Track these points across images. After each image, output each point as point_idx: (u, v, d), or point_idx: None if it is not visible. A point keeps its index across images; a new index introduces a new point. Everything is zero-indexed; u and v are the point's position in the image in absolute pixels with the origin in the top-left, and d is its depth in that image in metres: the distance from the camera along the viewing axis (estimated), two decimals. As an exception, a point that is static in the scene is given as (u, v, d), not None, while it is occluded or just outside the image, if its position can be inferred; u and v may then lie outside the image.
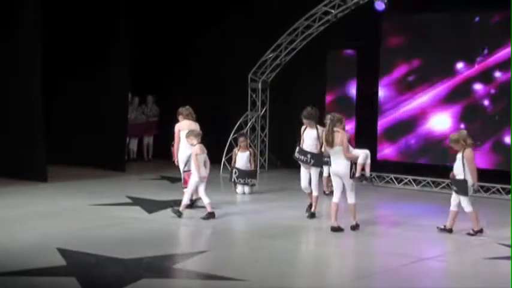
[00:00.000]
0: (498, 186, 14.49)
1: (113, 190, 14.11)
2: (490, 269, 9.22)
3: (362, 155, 12.25)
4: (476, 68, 15.10)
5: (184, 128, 12.24)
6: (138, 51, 17.58)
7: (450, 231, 10.92)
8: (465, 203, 10.76)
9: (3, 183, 14.19)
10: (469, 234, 10.82)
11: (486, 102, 15.12)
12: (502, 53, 14.77)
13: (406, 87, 16.00)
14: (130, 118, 17.95)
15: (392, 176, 15.66)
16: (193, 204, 12.18)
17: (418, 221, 11.90)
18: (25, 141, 14.94)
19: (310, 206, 11.94)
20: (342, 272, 9.18)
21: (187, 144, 11.92)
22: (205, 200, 11.59)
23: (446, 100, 15.52)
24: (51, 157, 15.34)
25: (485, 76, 15.05)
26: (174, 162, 12.68)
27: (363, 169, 12.38)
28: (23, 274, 8.23)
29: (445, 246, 10.55)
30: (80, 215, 11.85)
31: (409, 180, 15.51)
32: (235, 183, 14.28)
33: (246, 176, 14.18)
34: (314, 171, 11.79)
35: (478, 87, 15.18)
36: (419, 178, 15.41)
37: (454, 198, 10.87)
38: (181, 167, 12.39)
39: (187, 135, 11.75)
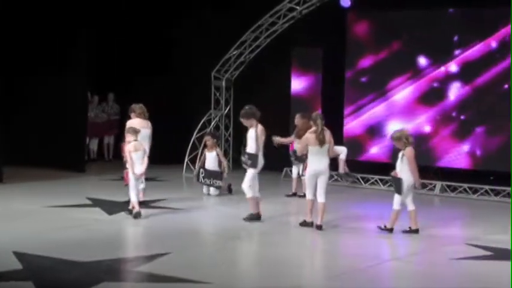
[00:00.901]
0: (465, 185, 14.41)
1: (72, 191, 13.89)
2: (458, 269, 9.17)
3: (344, 151, 12.38)
4: (445, 65, 15.05)
5: (136, 125, 12.08)
6: (98, 49, 17.26)
7: (391, 230, 10.86)
8: (396, 201, 10.77)
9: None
10: (404, 231, 10.82)
11: (454, 100, 15.04)
12: (472, 51, 14.75)
13: (372, 84, 15.90)
14: (90, 117, 17.72)
15: (359, 175, 15.51)
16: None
17: (385, 221, 11.65)
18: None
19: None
20: (307, 273, 9.08)
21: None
22: (133, 198, 11.43)
23: (415, 98, 15.47)
24: (8, 158, 15.05)
25: (454, 73, 15.03)
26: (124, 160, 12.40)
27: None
28: (-24, 279, 8.07)
29: (412, 247, 10.48)
30: (37, 217, 11.63)
31: (376, 180, 15.40)
32: (202, 184, 13.98)
33: (212, 176, 13.87)
34: (249, 173, 11.42)
35: (445, 84, 15.15)
36: (386, 178, 15.22)
37: (397, 196, 10.83)
38: None
39: (126, 131, 11.65)
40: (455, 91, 14.97)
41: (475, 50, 14.68)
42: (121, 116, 18.51)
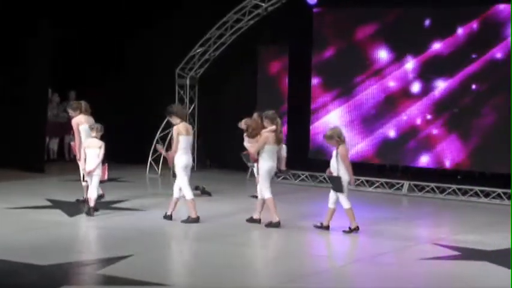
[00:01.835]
0: (432, 185, 14.39)
1: (31, 192, 13.65)
2: (426, 269, 9.12)
3: (285, 148, 12.72)
4: (414, 62, 14.99)
5: (83, 122, 12.26)
6: (60, 46, 16.94)
7: (327, 228, 10.83)
8: (342, 200, 10.73)
9: None
10: (344, 231, 10.76)
11: (423, 99, 14.95)
12: (441, 48, 14.70)
13: (339, 82, 15.81)
14: (50, 116, 17.31)
15: (325, 175, 15.33)
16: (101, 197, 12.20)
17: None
18: None
19: None
20: (272, 274, 8.96)
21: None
22: (91, 194, 11.51)
23: (380, 96, 15.36)
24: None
25: (420, 71, 14.96)
26: (76, 159, 12.45)
27: None
28: None
29: (379, 247, 10.42)
30: (-5, 219, 11.42)
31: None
32: None
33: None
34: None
35: (411, 82, 15.08)
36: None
37: (332, 195, 10.83)
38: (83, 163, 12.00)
39: (92, 128, 11.81)
40: (423, 89, 14.89)
41: (444, 48, 14.61)
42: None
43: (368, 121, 15.44)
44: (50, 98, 17.71)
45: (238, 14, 15.92)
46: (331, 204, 10.80)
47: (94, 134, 11.69)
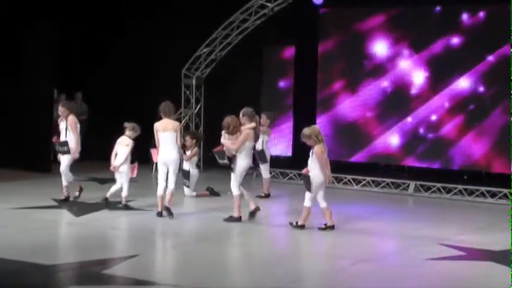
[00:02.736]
0: (438, 185, 14.36)
1: (36, 192, 13.63)
2: (431, 270, 9.08)
3: None
4: (418, 61, 14.93)
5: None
6: (66, 48, 16.92)
7: (302, 227, 10.88)
8: (306, 198, 10.80)
9: None
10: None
11: (430, 99, 14.89)
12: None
13: (346, 84, 15.76)
14: (56, 116, 17.25)
15: (331, 175, 15.31)
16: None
17: (356, 222, 11.77)
18: None
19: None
20: (278, 274, 8.89)
21: None
22: (124, 193, 12.14)
23: (385, 97, 15.33)
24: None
25: (427, 69, 14.91)
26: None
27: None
28: None
29: (385, 248, 10.44)
30: (1, 219, 11.37)
31: (349, 180, 15.26)
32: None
33: (183, 176, 13.64)
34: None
35: (420, 82, 14.99)
36: (359, 177, 15.16)
37: (307, 194, 10.87)
38: None
39: (125, 126, 12.32)
40: (431, 90, 14.82)
41: (455, 44, 14.57)
42: (89, 115, 18.27)
43: (374, 121, 15.40)
44: (56, 99, 17.70)
45: (244, 14, 15.91)
46: (306, 203, 10.87)
47: (127, 132, 12.11)
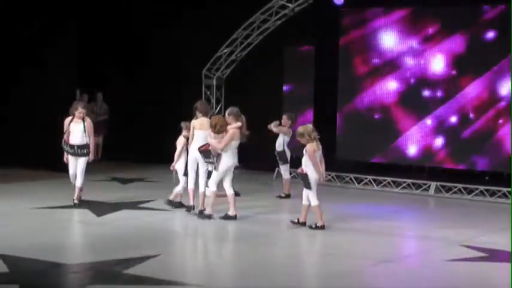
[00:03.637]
0: (460, 186, 14.27)
1: (59, 192, 13.57)
2: (453, 271, 9.06)
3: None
4: (440, 58, 14.83)
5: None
6: (88, 48, 17.00)
7: (303, 224, 10.98)
8: (310, 196, 10.86)
9: None
10: (311, 227, 10.87)
11: (451, 100, 14.79)
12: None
13: (365, 84, 15.67)
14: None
15: (351, 175, 15.34)
16: None
17: (377, 222, 11.73)
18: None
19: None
20: (300, 275, 8.89)
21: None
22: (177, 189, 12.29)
23: (406, 97, 15.22)
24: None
25: (443, 72, 14.83)
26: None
27: None
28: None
29: (406, 248, 10.43)
30: (23, 219, 11.44)
31: (369, 180, 15.22)
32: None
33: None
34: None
35: (442, 84, 14.90)
36: (380, 178, 15.10)
37: (305, 192, 10.93)
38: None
39: (181, 126, 12.39)
40: (451, 91, 14.74)
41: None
42: (109, 116, 18.35)
43: (395, 121, 15.32)
44: (79, 99, 17.75)
45: (265, 15, 15.91)
46: (305, 201, 10.94)
47: (184, 132, 12.23)
